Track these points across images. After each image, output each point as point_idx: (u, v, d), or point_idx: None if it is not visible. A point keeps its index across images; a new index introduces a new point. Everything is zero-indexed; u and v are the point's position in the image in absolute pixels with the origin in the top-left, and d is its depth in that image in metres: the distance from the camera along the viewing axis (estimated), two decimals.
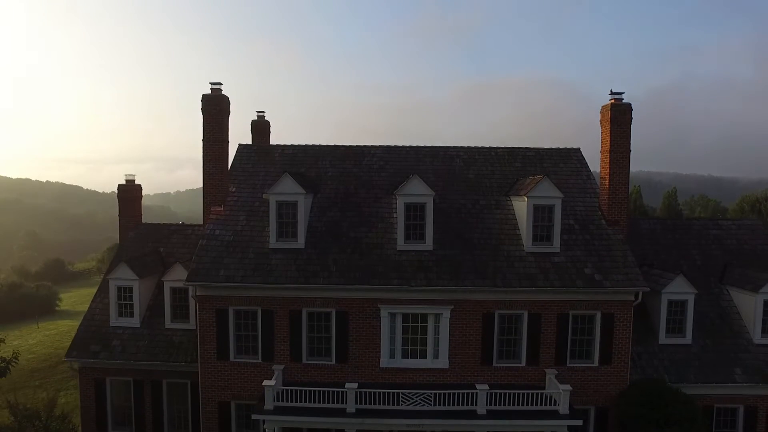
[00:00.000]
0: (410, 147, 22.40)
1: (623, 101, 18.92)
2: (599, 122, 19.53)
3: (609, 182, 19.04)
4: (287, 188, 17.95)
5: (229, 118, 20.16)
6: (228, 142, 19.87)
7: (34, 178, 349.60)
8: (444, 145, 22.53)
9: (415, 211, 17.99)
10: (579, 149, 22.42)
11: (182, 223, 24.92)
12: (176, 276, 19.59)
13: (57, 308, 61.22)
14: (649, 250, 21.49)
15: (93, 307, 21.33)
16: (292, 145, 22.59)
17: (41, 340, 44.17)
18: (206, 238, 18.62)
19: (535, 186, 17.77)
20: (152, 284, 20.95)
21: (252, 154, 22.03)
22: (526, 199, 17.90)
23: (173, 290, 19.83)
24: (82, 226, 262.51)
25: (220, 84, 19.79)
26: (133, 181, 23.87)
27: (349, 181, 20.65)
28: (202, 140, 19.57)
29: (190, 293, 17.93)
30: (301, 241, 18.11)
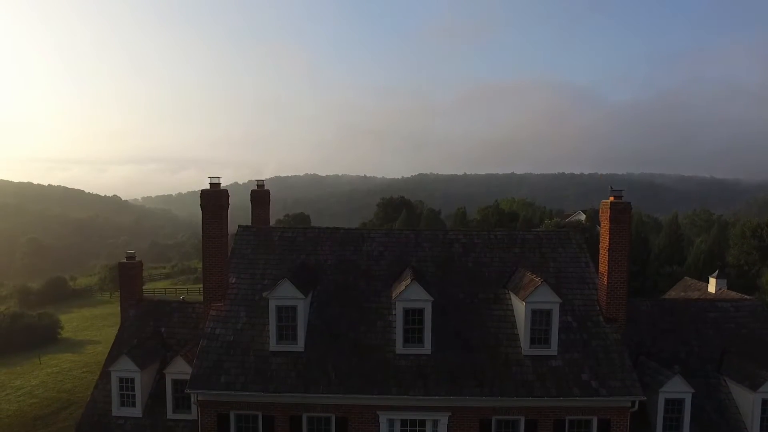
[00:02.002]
0: (410, 230, 22.56)
1: (624, 201, 19.02)
2: (599, 216, 19.61)
3: (608, 279, 19.14)
4: (287, 293, 18.07)
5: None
6: (228, 236, 19.99)
7: (35, 182, 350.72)
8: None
9: (413, 315, 18.12)
10: (578, 232, 22.48)
11: (183, 300, 25.08)
12: (178, 368, 19.73)
13: (59, 335, 61.56)
14: (647, 335, 21.56)
15: (95, 395, 21.42)
16: (291, 228, 22.74)
17: (43, 380, 44.42)
18: (207, 338, 18.76)
19: (533, 291, 17.87)
20: (154, 370, 21.09)
21: (251, 237, 22.15)
22: (524, 303, 18.01)
23: (175, 382, 19.99)
24: (84, 231, 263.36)
25: (218, 178, 19.93)
26: (134, 257, 24.00)
27: (349, 270, 20.77)
28: (202, 235, 19.71)
29: (192, 400, 18.06)
30: (300, 344, 18.25)
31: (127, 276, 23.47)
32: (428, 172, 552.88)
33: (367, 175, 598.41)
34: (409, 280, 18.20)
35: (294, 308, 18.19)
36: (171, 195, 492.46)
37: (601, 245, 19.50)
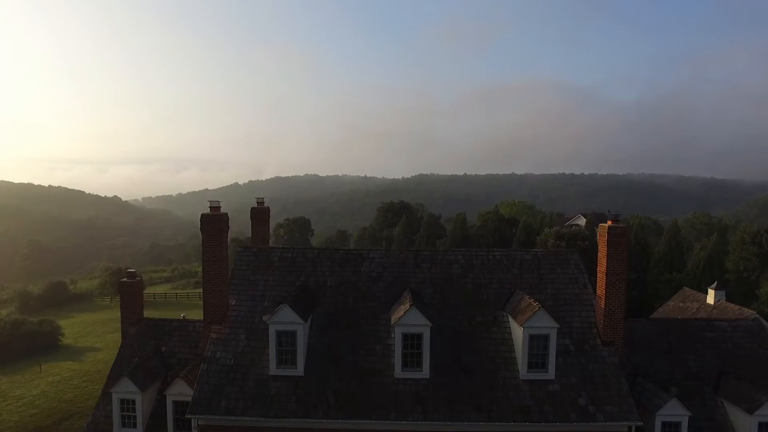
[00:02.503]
0: (408, 251, 22.63)
1: (621, 225, 19.15)
2: (597, 240, 19.73)
3: (605, 303, 19.26)
4: (286, 318, 18.20)
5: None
6: (228, 259, 20.13)
7: (36, 183, 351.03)
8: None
9: (412, 340, 18.24)
10: (576, 252, 22.63)
11: (183, 318, 25.22)
12: (178, 390, 19.92)
13: (60, 342, 61.60)
14: (644, 355, 21.67)
15: (96, 415, 21.54)
16: (290, 248, 22.85)
17: (44, 390, 44.50)
18: (207, 361, 18.89)
19: (531, 316, 18.00)
20: (155, 391, 21.24)
21: (251, 258, 22.26)
22: (522, 328, 18.13)
23: (175, 403, 20.15)
24: (84, 232, 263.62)
25: (218, 202, 20.07)
26: (134, 275, 24.15)
27: (348, 291, 20.90)
28: (202, 258, 19.84)
29: (193, 424, 18.18)
30: (300, 369, 18.39)
31: (127, 295, 23.62)
32: (428, 173, 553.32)
33: (368, 176, 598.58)
34: (407, 305, 18.33)
35: (294, 333, 18.32)
36: (171, 195, 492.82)
37: (598, 269, 19.62)
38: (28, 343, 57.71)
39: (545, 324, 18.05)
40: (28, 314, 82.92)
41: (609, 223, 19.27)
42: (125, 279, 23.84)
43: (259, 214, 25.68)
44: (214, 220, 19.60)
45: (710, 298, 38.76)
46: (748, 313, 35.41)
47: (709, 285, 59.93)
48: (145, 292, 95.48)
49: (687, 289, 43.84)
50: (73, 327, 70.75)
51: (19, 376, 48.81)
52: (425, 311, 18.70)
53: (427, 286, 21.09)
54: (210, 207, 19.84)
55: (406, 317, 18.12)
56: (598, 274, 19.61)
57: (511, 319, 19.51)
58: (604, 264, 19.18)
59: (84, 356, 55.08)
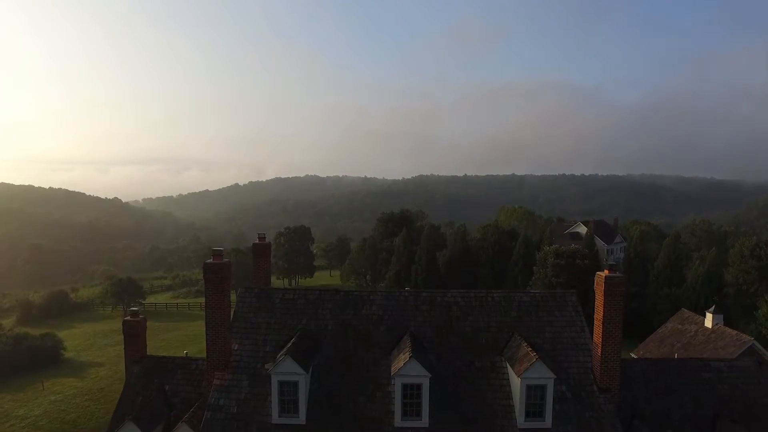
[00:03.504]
0: (408, 292, 22.93)
1: (618, 275, 19.43)
2: (594, 288, 20.04)
3: (601, 350, 19.56)
4: (288, 369, 18.52)
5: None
6: (230, 307, 20.43)
7: (37, 185, 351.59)
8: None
9: (412, 390, 18.55)
10: (574, 293, 22.91)
11: (186, 354, 25.53)
12: None
13: (62, 356, 62.01)
14: (641, 396, 21.96)
15: None
16: (292, 289, 23.19)
17: (47, 409, 44.93)
18: (211, 409, 19.20)
19: (529, 368, 18.29)
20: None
21: (253, 300, 22.55)
22: (520, 379, 18.44)
23: None
24: (85, 235, 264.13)
25: (221, 250, 20.38)
26: (137, 313, 24.46)
27: (348, 336, 21.19)
28: (205, 305, 20.14)
29: None
30: (302, 417, 18.71)
31: (131, 335, 23.91)
32: (429, 173, 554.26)
33: (368, 176, 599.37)
34: (407, 356, 18.62)
35: (296, 383, 18.64)
36: (172, 196, 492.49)
37: (595, 316, 19.91)
38: (31, 357, 58.23)
39: (543, 375, 18.35)
40: (29, 324, 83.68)
41: (606, 272, 19.55)
42: (128, 318, 24.14)
43: (261, 249, 25.95)
44: (216, 269, 19.89)
45: (708, 321, 39.21)
46: (746, 338, 35.85)
47: (708, 300, 60.45)
48: (145, 302, 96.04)
49: (685, 311, 44.25)
50: (74, 339, 71.24)
51: (21, 394, 49.20)
52: (425, 360, 19.00)
53: (427, 329, 21.38)
54: (213, 255, 20.14)
55: (406, 368, 18.42)
56: (595, 321, 19.90)
57: (509, 366, 19.81)
58: (601, 312, 19.47)
59: (86, 372, 55.48)
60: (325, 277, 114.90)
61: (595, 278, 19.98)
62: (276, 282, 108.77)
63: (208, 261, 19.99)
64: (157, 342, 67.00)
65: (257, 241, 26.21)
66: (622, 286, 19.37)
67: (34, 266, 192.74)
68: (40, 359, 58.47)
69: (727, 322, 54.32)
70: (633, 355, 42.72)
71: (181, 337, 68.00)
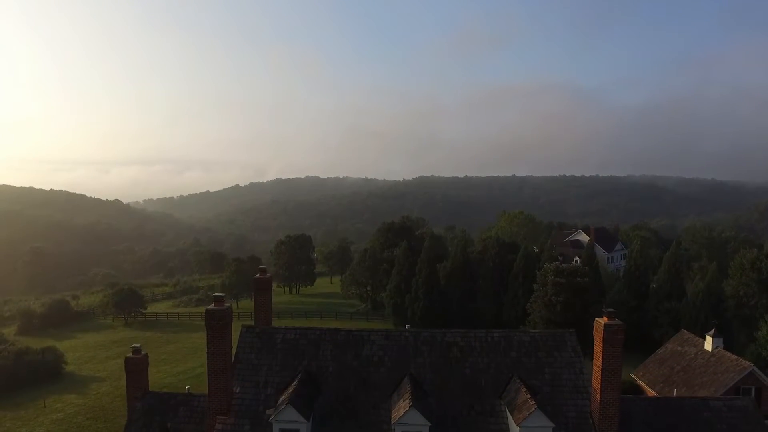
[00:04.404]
0: (409, 332, 23.04)
1: (617, 323, 19.52)
2: (593, 334, 20.13)
3: (600, 397, 19.65)
4: (290, 417, 18.64)
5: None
6: (231, 352, 20.54)
7: (38, 186, 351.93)
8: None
9: None
10: (574, 333, 23.01)
11: (188, 391, 25.66)
12: None
13: (63, 370, 62.13)
14: None
15: None
16: (293, 328, 23.27)
17: (48, 429, 45.11)
18: None
19: (528, 417, 18.40)
20: None
21: (255, 340, 22.67)
22: (519, 428, 18.54)
23: None
24: (86, 238, 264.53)
25: (222, 296, 20.50)
26: (139, 350, 24.55)
27: (349, 378, 21.31)
28: (207, 351, 20.25)
29: None
30: None
31: (133, 372, 24.01)
32: (430, 175, 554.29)
33: (368, 177, 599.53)
34: (408, 405, 18.73)
35: (297, 431, 18.75)
36: (173, 197, 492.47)
37: (594, 362, 19.99)
38: (32, 372, 58.31)
39: (541, 424, 18.46)
40: (30, 334, 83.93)
41: (605, 319, 19.63)
42: (131, 355, 24.23)
43: (262, 283, 26.00)
44: (218, 316, 19.99)
45: (708, 344, 39.31)
46: (745, 364, 35.93)
47: (708, 316, 60.38)
48: (146, 311, 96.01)
49: (685, 332, 44.36)
50: (75, 350, 71.41)
51: (23, 412, 49.33)
52: (425, 407, 19.10)
53: (427, 371, 21.49)
54: (214, 300, 20.25)
55: (407, 417, 18.54)
56: (594, 368, 19.98)
57: (509, 413, 19.90)
58: (600, 359, 19.55)
59: (87, 388, 55.61)
60: (325, 284, 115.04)
61: (594, 324, 20.06)
62: (276, 290, 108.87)
63: (210, 308, 20.10)
64: (158, 355, 67.12)
65: (258, 276, 26.29)
66: (621, 334, 19.45)
67: (35, 270, 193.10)
68: (41, 374, 58.61)
69: (727, 337, 54.47)
70: (633, 376, 42.89)
71: (182, 350, 68.09)
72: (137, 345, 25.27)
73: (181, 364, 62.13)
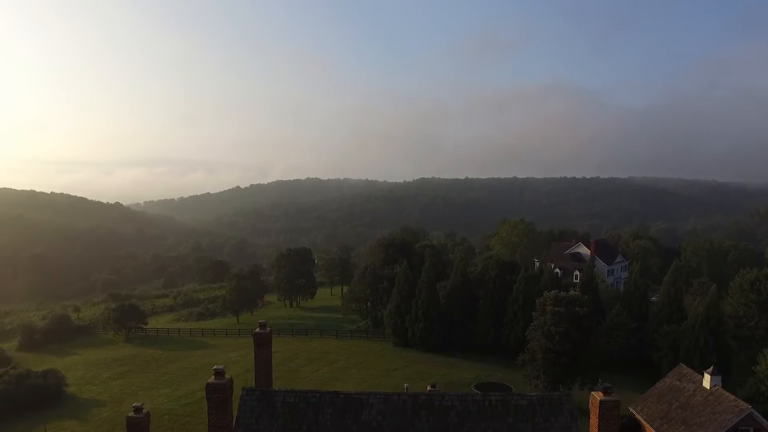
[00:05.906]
0: (407, 395, 23.25)
1: (612, 399, 19.70)
2: (589, 407, 20.33)
3: None
4: None
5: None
6: (232, 422, 20.75)
7: (39, 189, 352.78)
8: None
9: None
10: (570, 396, 23.22)
11: None
12: None
13: (64, 393, 62.34)
14: None
15: None
16: (293, 391, 23.49)
17: None
18: None
19: None
20: None
21: (255, 403, 22.85)
22: None
23: None
24: (87, 242, 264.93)
25: (222, 367, 20.69)
26: (141, 409, 24.72)
27: None
28: (208, 423, 20.48)
29: None
30: None
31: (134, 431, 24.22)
32: (431, 177, 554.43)
33: (369, 179, 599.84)
34: None
35: None
36: (173, 199, 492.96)
37: None
38: (33, 396, 58.49)
39: None
40: (31, 350, 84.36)
41: (600, 395, 19.82)
42: (132, 415, 24.42)
43: (262, 338, 26.16)
44: (219, 389, 20.21)
45: (706, 381, 39.47)
46: (743, 405, 36.09)
47: (707, 339, 60.57)
48: (146, 326, 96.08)
49: (684, 366, 44.53)
50: (76, 369, 71.63)
51: None
52: None
53: None
54: (214, 374, 20.45)
55: None
56: None
57: None
58: None
59: (89, 413, 55.84)
60: (326, 296, 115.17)
61: (590, 398, 20.26)
62: (276, 304, 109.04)
63: (210, 381, 20.30)
64: (158, 376, 67.47)
65: (258, 330, 26.48)
66: (616, 410, 19.64)
67: (36, 276, 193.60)
68: (42, 398, 58.82)
69: (726, 365, 54.68)
70: (632, 410, 43.08)
71: (182, 370, 68.24)
72: (139, 403, 25.41)
73: (182, 386, 62.28)
